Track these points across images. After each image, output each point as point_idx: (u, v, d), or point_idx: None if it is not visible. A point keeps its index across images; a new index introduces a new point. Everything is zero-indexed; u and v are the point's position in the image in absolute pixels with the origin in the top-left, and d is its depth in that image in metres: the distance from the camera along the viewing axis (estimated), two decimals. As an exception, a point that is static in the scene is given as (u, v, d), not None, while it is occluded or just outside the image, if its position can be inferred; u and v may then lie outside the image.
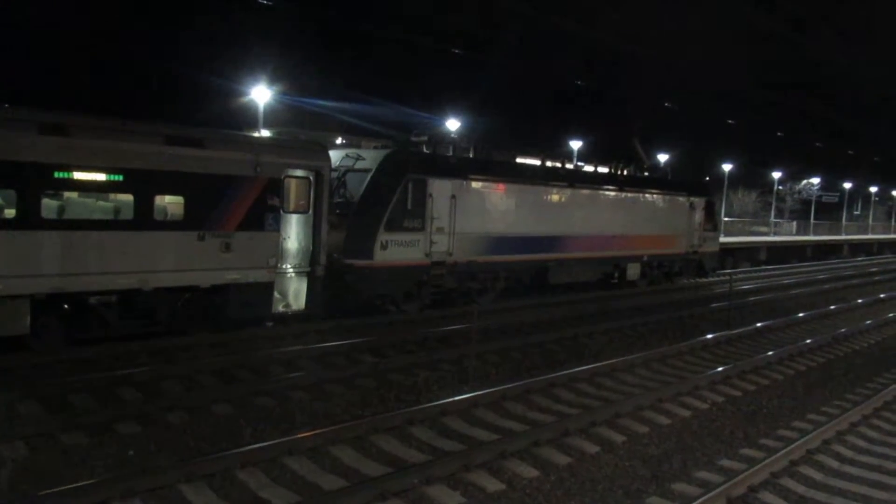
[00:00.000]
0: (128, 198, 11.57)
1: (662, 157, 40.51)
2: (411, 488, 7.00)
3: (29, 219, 10.44)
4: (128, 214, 11.54)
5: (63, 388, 9.41)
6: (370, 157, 16.10)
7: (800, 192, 76.51)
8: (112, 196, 11.77)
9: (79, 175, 11.07)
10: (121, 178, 11.39)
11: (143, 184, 11.53)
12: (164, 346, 11.84)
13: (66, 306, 11.12)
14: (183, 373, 10.52)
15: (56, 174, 10.78)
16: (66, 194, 11.35)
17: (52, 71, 32.96)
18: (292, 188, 13.90)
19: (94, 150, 11.03)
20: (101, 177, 11.27)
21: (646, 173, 24.65)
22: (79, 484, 6.51)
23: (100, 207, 11.74)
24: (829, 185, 76.66)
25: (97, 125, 11.39)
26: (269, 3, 27.92)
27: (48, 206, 10.90)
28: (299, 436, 8.00)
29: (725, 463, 8.27)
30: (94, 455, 7.49)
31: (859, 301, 22.99)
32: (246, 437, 8.21)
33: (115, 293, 11.46)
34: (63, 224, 10.92)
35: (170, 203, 12.15)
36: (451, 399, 9.67)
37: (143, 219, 11.57)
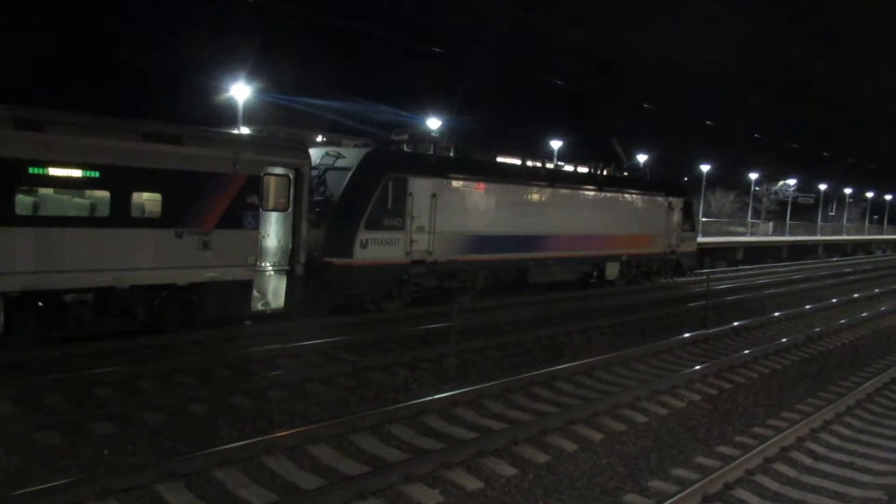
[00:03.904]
0: (104, 195, 11.43)
1: (641, 158, 40.82)
2: (390, 487, 6.99)
3: (2, 215, 10.27)
4: (104, 211, 11.40)
5: (37, 386, 9.28)
6: (350, 156, 16.06)
7: (776, 192, 77.43)
8: (88, 193, 11.62)
9: (54, 171, 10.91)
10: (97, 174, 11.25)
11: (119, 181, 11.40)
12: (140, 344, 11.72)
13: (40, 304, 10.96)
14: (160, 372, 10.41)
15: (31, 170, 10.62)
16: (42, 190, 11.19)
17: (27, 68, 32.52)
18: (272, 186, 13.82)
19: (70, 146, 10.88)
20: (77, 173, 11.13)
21: (625, 173, 24.81)
22: (53, 483, 6.43)
23: (75, 204, 11.59)
24: (805, 186, 77.73)
25: (74, 121, 11.23)
26: (250, 0, 27.74)
27: (23, 202, 10.75)
28: (277, 435, 7.96)
29: (702, 460, 8.36)
30: (68, 455, 7.40)
31: (834, 301, 23.32)
32: (223, 437, 8.16)
33: (91, 291, 11.32)
34: (38, 221, 10.77)
35: (147, 200, 12.03)
36: (430, 398, 9.67)
37: (120, 216, 11.44)
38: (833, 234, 67.44)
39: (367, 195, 15.43)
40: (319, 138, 18.54)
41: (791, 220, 67.12)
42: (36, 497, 6.17)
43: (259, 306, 13.63)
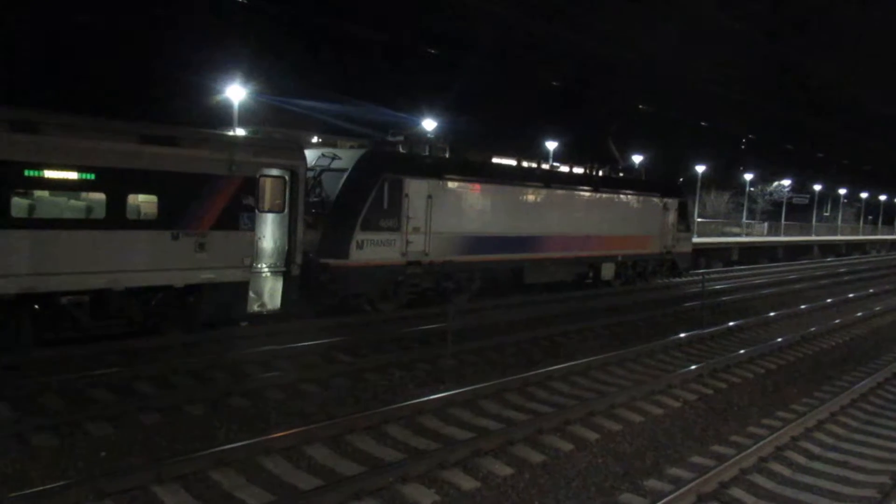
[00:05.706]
0: (100, 197, 11.43)
1: (637, 158, 40.92)
2: (387, 487, 7.01)
3: None
4: (100, 213, 11.40)
5: (33, 389, 9.28)
6: (346, 157, 16.08)
7: (771, 193, 77.55)
8: (84, 195, 11.60)
9: (50, 173, 10.90)
10: (93, 176, 11.24)
11: (116, 183, 11.40)
12: (136, 346, 11.72)
13: (36, 306, 10.96)
14: (156, 373, 10.42)
15: (27, 172, 10.62)
16: (37, 193, 11.17)
17: (25, 69, 32.45)
18: (267, 187, 13.83)
19: (66, 148, 10.88)
20: (73, 175, 11.11)
21: (620, 174, 24.87)
22: (49, 486, 6.44)
23: (71, 206, 11.57)
24: (800, 186, 77.92)
25: (70, 123, 11.24)
26: (246, 1, 27.75)
27: (18, 204, 10.73)
28: (274, 435, 7.97)
29: (697, 459, 8.39)
30: (65, 456, 7.41)
31: (828, 301, 23.40)
32: (220, 438, 8.17)
33: (87, 293, 11.31)
34: (34, 223, 10.76)
35: (143, 202, 12.03)
36: (426, 398, 9.70)
37: (116, 218, 11.44)
38: (828, 234, 67.65)
39: (363, 196, 15.45)
40: (315, 139, 18.61)
41: (786, 220, 67.31)
42: (32, 499, 6.18)
43: (255, 308, 13.63)
